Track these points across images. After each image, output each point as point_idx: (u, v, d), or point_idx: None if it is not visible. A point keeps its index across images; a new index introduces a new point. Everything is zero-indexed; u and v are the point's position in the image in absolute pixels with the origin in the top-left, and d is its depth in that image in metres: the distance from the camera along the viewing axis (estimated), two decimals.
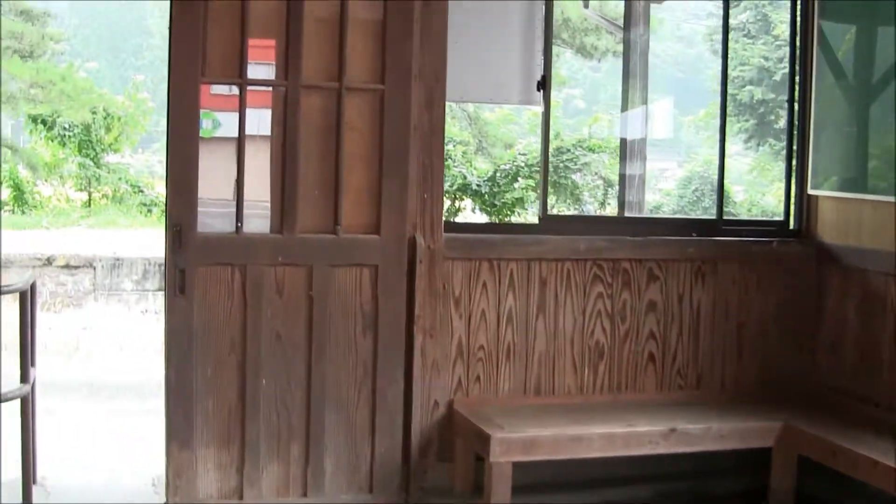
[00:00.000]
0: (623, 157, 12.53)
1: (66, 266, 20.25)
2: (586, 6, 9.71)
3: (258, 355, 6.16)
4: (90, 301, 19.58)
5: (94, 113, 28.40)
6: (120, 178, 29.60)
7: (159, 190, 30.34)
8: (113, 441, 8.25)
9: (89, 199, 29.78)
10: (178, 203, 6.01)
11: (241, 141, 6.10)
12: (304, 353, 6.25)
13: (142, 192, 29.58)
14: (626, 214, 12.86)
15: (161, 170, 48.40)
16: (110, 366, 12.91)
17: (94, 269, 20.18)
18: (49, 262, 20.23)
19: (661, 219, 14.16)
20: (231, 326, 6.13)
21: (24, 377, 6.05)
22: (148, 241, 22.75)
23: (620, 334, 6.97)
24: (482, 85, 6.87)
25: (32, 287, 6.28)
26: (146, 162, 43.33)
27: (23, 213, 28.24)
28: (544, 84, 6.86)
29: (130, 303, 19.70)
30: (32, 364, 6.24)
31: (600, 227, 7.35)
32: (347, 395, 6.35)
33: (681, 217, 24.75)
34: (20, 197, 29.50)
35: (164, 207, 22.85)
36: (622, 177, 12.82)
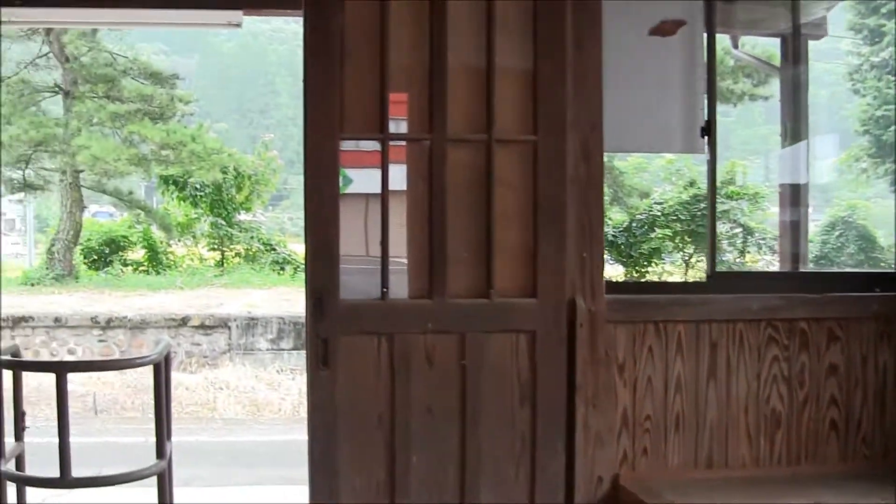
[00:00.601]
0: (782, 204, 11.90)
1: (201, 326, 20.18)
2: (735, 46, 9.14)
3: (407, 430, 5.70)
4: (225, 361, 19.41)
5: (224, 172, 28.54)
6: (252, 237, 29.72)
7: (291, 247, 30.41)
8: None
9: (222, 258, 29.92)
10: (319, 269, 5.61)
11: (384, 200, 5.67)
12: (457, 427, 5.76)
13: (274, 249, 29.66)
14: (796, 269, 12.18)
15: (292, 227, 48.79)
16: (248, 429, 12.60)
17: (229, 328, 20.06)
18: (184, 322, 20.18)
19: (839, 273, 13.45)
20: (378, 399, 5.69)
21: (161, 452, 5.69)
22: (282, 299, 22.64)
23: (799, 400, 6.34)
24: (641, 133, 6.36)
25: (167, 358, 5.93)
26: (277, 220, 43.58)
27: (157, 273, 28.46)
28: (709, 130, 6.34)
29: (266, 362, 19.49)
30: (168, 437, 5.88)
31: (772, 283, 6.77)
32: (505, 472, 5.85)
33: (860, 271, 23.77)
34: (154, 257, 29.78)
35: (296, 265, 22.93)
36: (782, 225, 12.18)
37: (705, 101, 6.37)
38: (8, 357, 5.76)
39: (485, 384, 5.77)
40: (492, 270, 5.72)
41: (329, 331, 5.59)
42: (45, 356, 20.01)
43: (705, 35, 6.40)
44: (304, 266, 5.75)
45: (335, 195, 5.61)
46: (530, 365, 5.81)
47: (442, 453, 5.77)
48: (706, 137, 6.36)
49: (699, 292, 6.38)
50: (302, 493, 8.28)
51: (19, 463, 6.16)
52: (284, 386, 17.54)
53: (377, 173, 5.73)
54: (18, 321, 20.23)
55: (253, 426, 12.76)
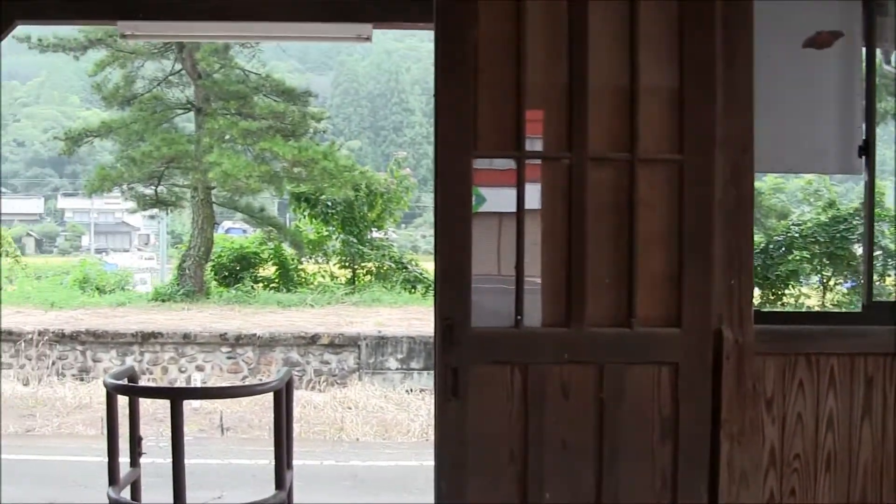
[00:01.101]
0: None
1: (331, 344, 20.09)
2: (888, 62, 8.65)
3: (541, 465, 5.39)
4: (354, 380, 19.27)
5: (356, 190, 28.53)
6: (384, 255, 29.68)
7: (423, 266, 30.29)
8: None
9: (353, 276, 29.93)
10: (449, 294, 5.33)
11: (520, 221, 5.38)
12: (593, 464, 5.43)
13: (405, 268, 29.57)
14: None
15: (425, 245, 48.76)
16: (376, 453, 12.37)
17: (359, 347, 19.94)
18: (313, 340, 20.10)
19: None
20: (510, 433, 5.39)
21: (280, 482, 5.45)
22: (412, 318, 22.48)
23: None
24: (793, 152, 5.96)
25: (289, 385, 5.70)
26: (409, 237, 43.63)
27: (288, 290, 28.52)
28: (867, 149, 5.92)
29: (395, 382, 19.32)
30: (289, 466, 5.64)
31: None
32: None
33: None
34: (285, 274, 29.88)
35: (427, 283, 22.74)
36: None
37: (863, 119, 5.96)
38: (123, 382, 5.57)
39: (624, 419, 5.43)
40: (633, 297, 5.38)
41: (459, 360, 5.31)
42: (173, 373, 20.12)
43: (864, 48, 5.98)
44: (434, 287, 5.48)
45: (467, 217, 5.33)
46: (672, 399, 5.45)
47: (577, 491, 5.44)
48: (864, 157, 5.95)
49: (854, 323, 5.95)
50: None
51: (135, 490, 5.99)
52: (414, 406, 17.30)
53: (510, 192, 5.44)
54: (148, 337, 20.36)
55: (381, 450, 12.50)
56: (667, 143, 5.44)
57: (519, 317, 5.34)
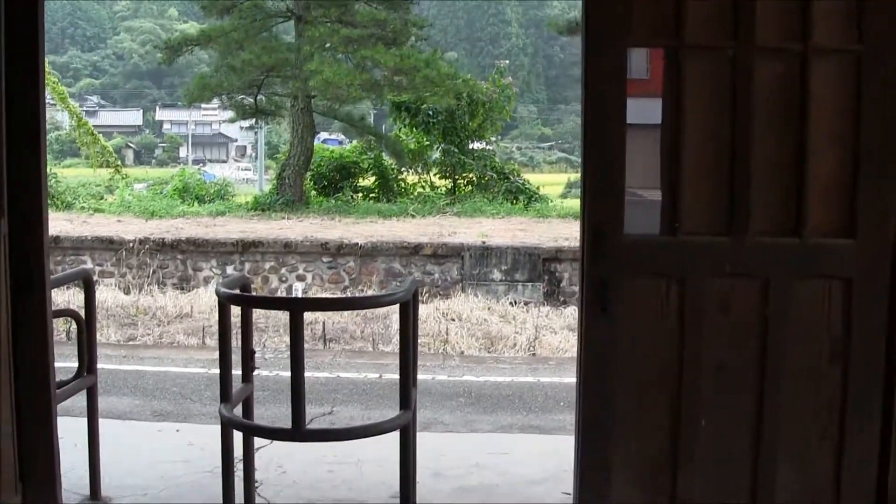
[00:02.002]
0: None
1: (434, 255, 19.72)
2: None
3: (696, 389, 4.89)
4: (457, 291, 18.87)
5: (458, 99, 27.92)
6: (485, 165, 29.15)
7: (525, 177, 29.74)
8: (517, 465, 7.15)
9: (454, 187, 29.47)
10: (599, 201, 4.82)
11: (678, 120, 4.83)
12: (753, 388, 4.92)
13: (507, 178, 29.04)
14: None
15: (520, 157, 48.16)
16: (487, 368, 11.91)
17: (462, 258, 19.54)
18: (416, 251, 19.75)
19: None
20: (663, 353, 4.89)
21: (405, 401, 4.99)
22: (516, 229, 22.02)
23: None
24: None
25: (415, 297, 5.20)
26: (505, 150, 42.95)
27: (388, 200, 28.15)
28: None
29: (499, 293, 18.90)
30: (414, 384, 5.19)
31: None
32: (806, 443, 4.97)
33: None
34: (385, 184, 29.52)
35: (529, 194, 22.18)
36: None
37: None
38: (236, 292, 5.11)
39: (789, 339, 4.89)
40: (804, 205, 4.82)
41: (609, 271, 4.81)
42: (273, 282, 19.90)
43: None
44: (582, 194, 4.96)
45: (620, 114, 4.80)
46: (844, 317, 4.90)
47: (735, 417, 4.95)
48: None
49: None
50: (552, 443, 7.63)
51: (247, 408, 5.58)
52: (519, 319, 16.88)
53: (643, 103, 4.91)
54: (248, 246, 20.15)
55: (493, 365, 12.01)
56: (844, 31, 4.83)
57: (676, 223, 4.82)
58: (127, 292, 19.34)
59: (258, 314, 18.60)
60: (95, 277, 20.11)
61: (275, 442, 7.40)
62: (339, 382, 10.82)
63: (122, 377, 10.90)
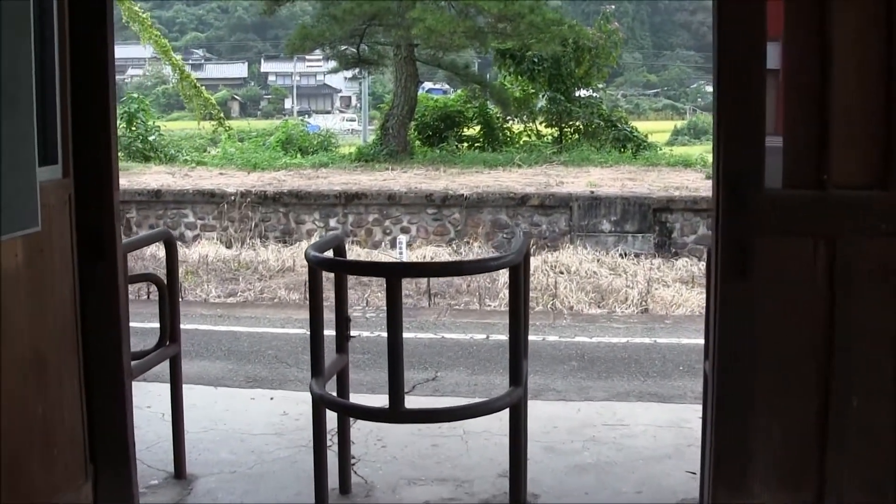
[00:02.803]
0: None
1: (541, 206, 19.12)
2: None
3: (848, 363, 4.26)
4: (566, 243, 18.26)
5: (563, 46, 27.14)
6: (592, 113, 28.41)
7: (633, 125, 28.97)
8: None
9: (560, 135, 28.80)
10: (736, 151, 4.20)
11: (823, 55, 4.18)
12: None
13: (615, 126, 28.26)
14: None
15: (626, 105, 47.20)
16: (600, 328, 11.28)
17: (570, 209, 18.91)
18: (522, 202, 19.17)
19: None
20: (811, 321, 4.26)
21: (516, 376, 4.44)
22: (625, 178, 21.33)
23: None
24: None
25: (526, 257, 4.63)
26: (610, 97, 41.98)
27: (493, 150, 27.58)
28: None
29: (608, 245, 18.26)
30: (525, 355, 4.63)
31: None
32: None
33: None
34: (490, 133, 28.96)
35: (638, 142, 21.50)
36: None
37: None
38: (328, 256, 4.57)
39: None
40: None
41: (748, 229, 4.20)
42: (377, 235, 19.46)
43: None
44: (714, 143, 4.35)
45: (760, 49, 4.17)
46: None
47: (891, 397, 4.31)
48: None
49: None
50: (671, 414, 7.05)
51: (342, 381, 5.08)
52: (629, 272, 16.26)
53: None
54: (351, 198, 19.73)
55: (606, 324, 11.32)
56: None
57: (824, 175, 4.19)
58: (229, 246, 19.09)
59: (359, 255, 18.23)
60: (196, 232, 19.90)
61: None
62: (444, 344, 10.30)
63: (216, 339, 10.51)
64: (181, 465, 5.66)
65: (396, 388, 4.12)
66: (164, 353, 5.51)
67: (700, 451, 5.09)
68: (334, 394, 5.03)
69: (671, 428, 6.48)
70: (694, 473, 5.36)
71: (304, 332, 10.22)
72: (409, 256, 17.21)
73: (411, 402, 7.27)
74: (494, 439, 6.02)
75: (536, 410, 6.39)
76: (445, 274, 5.99)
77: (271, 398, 7.59)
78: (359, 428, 6.23)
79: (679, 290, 14.54)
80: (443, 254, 18.09)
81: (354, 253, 18.09)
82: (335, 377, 5.03)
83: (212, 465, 5.84)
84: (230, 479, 5.66)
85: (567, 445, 6.19)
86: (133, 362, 5.01)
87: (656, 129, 40.01)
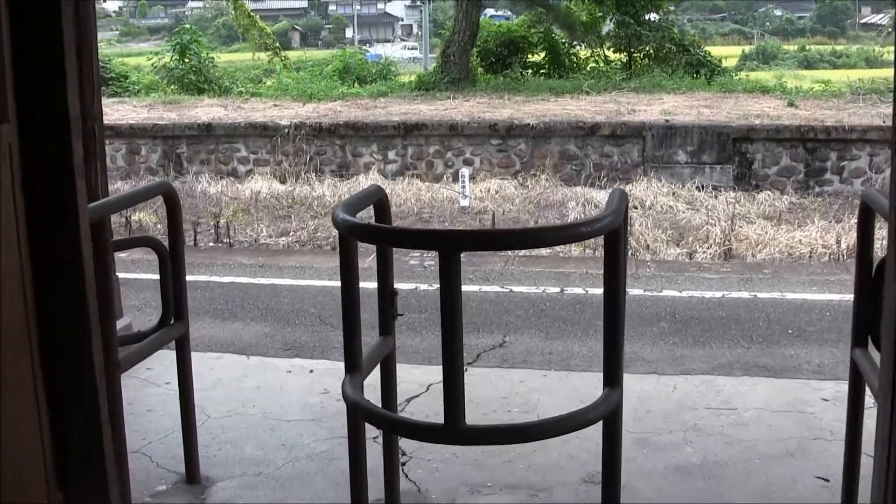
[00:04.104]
0: None
1: (612, 135, 17.97)
2: None
3: None
4: (638, 175, 17.09)
5: None
6: (663, 37, 27.01)
7: (706, 48, 27.62)
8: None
9: (630, 61, 27.48)
10: None
11: None
12: None
13: (687, 51, 26.82)
14: None
15: (691, 29, 45.62)
16: (690, 279, 10.02)
17: (643, 138, 17.72)
18: (592, 131, 18.01)
19: None
20: None
21: (612, 377, 3.35)
22: (700, 105, 20.04)
23: None
24: None
25: (625, 220, 3.46)
26: (677, 21, 40.41)
27: (559, 76, 26.30)
28: None
29: (684, 177, 17.06)
30: (620, 353, 3.49)
31: None
32: None
33: None
34: (556, 59, 27.71)
35: (712, 67, 20.27)
36: None
37: None
38: (359, 221, 3.35)
39: None
40: None
41: None
42: (438, 167, 18.37)
43: None
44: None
45: None
46: None
47: None
48: None
49: None
50: (786, 393, 5.93)
51: (387, 371, 3.96)
52: (707, 207, 15.09)
53: None
54: (411, 129, 18.62)
55: (695, 275, 9.97)
56: None
57: None
58: (283, 181, 18.12)
59: (419, 189, 17.19)
60: (250, 166, 18.94)
61: (428, 391, 5.87)
62: (512, 300, 9.17)
63: (254, 295, 9.47)
64: (194, 467, 4.65)
65: (454, 400, 3.06)
66: (166, 334, 4.47)
67: (844, 457, 4.00)
68: (377, 386, 3.96)
69: (789, 414, 5.36)
70: (827, 481, 4.28)
71: None
72: (471, 190, 16.18)
73: (475, 375, 6.28)
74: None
75: (625, 388, 5.29)
76: (519, 246, 4.78)
77: (311, 371, 6.51)
78: (411, 412, 5.20)
79: (764, 227, 13.36)
80: (508, 187, 17.01)
81: (414, 188, 17.11)
82: (379, 365, 3.95)
83: (233, 465, 4.84)
84: (253, 484, 4.65)
85: (664, 437, 5.09)
86: (127, 348, 3.97)
87: (725, 55, 38.41)
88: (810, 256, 11.71)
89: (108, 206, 3.92)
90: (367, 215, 3.68)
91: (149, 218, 14.09)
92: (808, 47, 59.96)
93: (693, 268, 10.61)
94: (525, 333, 8.04)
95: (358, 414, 3.41)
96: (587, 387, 5.68)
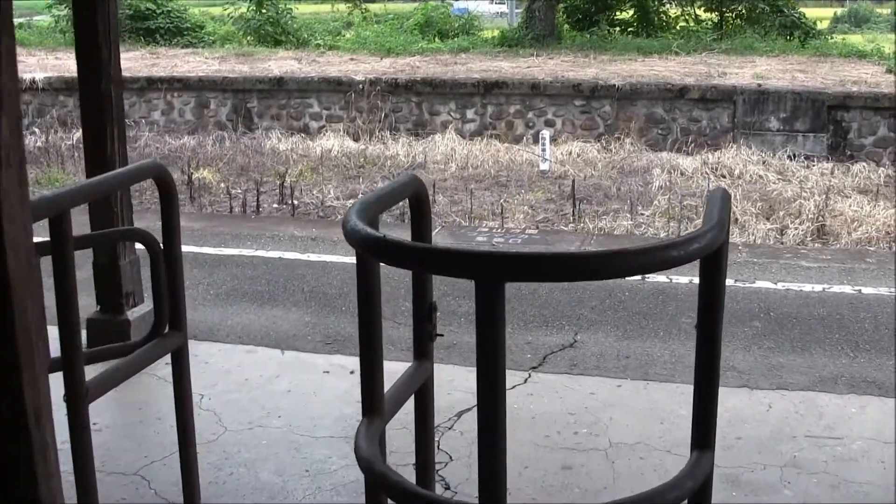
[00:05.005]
0: None
1: (701, 99, 17.08)
2: None
3: None
4: (728, 141, 16.20)
5: None
6: None
7: (802, 9, 26.49)
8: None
9: (721, 20, 26.50)
10: None
11: None
12: None
13: (781, 11, 25.69)
14: None
15: None
16: (787, 267, 9.02)
17: (734, 103, 16.82)
18: (681, 94, 17.13)
19: None
20: None
21: (703, 439, 2.59)
22: (795, 69, 19.00)
23: None
24: None
25: (726, 235, 2.66)
26: None
27: (648, 35, 25.36)
28: None
29: (776, 145, 16.14)
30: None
31: None
32: None
33: None
34: (645, 17, 26.82)
35: (806, 29, 19.26)
36: None
37: None
38: (381, 236, 2.50)
39: None
40: None
41: None
42: (519, 128, 17.58)
43: None
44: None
45: None
46: None
47: None
48: None
49: None
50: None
51: (423, 407, 3.19)
52: (799, 177, 14.19)
53: None
54: (491, 87, 17.81)
55: (791, 262, 8.89)
56: None
57: None
58: (356, 139, 17.45)
59: (497, 150, 16.42)
60: (322, 123, 18.28)
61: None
62: (587, 287, 8.20)
63: (300, 274, 8.65)
64: (193, 500, 3.92)
65: (495, 477, 2.32)
66: (158, 347, 3.74)
67: None
68: (409, 421, 3.22)
69: None
70: None
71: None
72: (552, 153, 15.41)
73: (540, 383, 5.50)
74: (654, 458, 4.20)
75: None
76: (581, 276, 3.79)
77: (351, 372, 5.78)
78: (461, 431, 4.46)
79: (860, 202, 12.41)
80: (591, 150, 16.20)
81: (493, 149, 16.37)
82: (413, 398, 3.21)
83: (244, 494, 4.15)
84: None
85: (758, 475, 4.33)
86: (107, 365, 3.27)
87: (816, 16, 37.00)
88: None
89: (72, 195, 3.19)
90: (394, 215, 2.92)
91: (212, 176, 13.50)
92: None
93: (788, 254, 9.62)
94: (599, 330, 7.20)
95: (372, 479, 2.66)
96: (668, 402, 4.94)
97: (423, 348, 3.25)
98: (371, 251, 2.56)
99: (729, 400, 5.26)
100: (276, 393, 5.29)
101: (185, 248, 8.57)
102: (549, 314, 7.36)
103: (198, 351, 5.22)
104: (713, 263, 2.52)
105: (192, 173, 13.62)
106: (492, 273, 2.35)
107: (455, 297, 7.61)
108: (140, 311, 6.16)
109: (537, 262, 2.25)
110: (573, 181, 13.03)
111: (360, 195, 12.84)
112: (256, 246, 9.45)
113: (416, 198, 3.18)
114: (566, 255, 2.47)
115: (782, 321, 7.45)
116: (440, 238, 9.83)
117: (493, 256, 2.44)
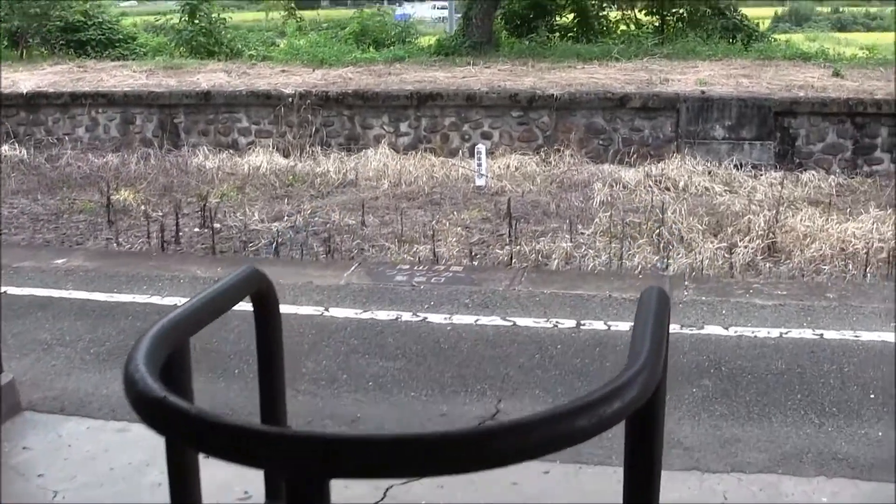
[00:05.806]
0: None
1: (643, 108, 16.56)
2: None
3: None
4: (671, 152, 15.66)
5: None
6: None
7: (744, 11, 26.13)
8: None
9: (662, 24, 26.03)
10: None
11: None
12: None
13: (723, 14, 25.32)
14: None
15: None
16: (734, 307, 8.18)
17: (677, 111, 16.24)
18: (622, 103, 16.59)
19: None
20: None
21: None
22: (739, 74, 18.48)
23: None
24: None
25: (664, 371, 1.98)
26: None
27: (588, 41, 24.78)
28: None
29: (721, 154, 15.63)
30: None
31: None
32: None
33: None
34: (585, 22, 26.25)
35: (749, 31, 18.82)
36: None
37: None
38: (156, 394, 1.72)
39: None
40: None
41: None
42: (455, 141, 16.97)
43: None
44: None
45: None
46: None
47: None
48: None
49: None
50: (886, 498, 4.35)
51: None
52: (747, 188, 13.70)
53: None
54: (425, 99, 17.17)
55: (743, 300, 7.69)
56: None
57: None
58: (286, 155, 16.78)
59: (432, 165, 15.70)
60: (251, 138, 17.60)
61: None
62: (515, 339, 7.42)
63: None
64: None
65: None
66: None
67: None
68: None
69: None
70: None
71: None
72: (489, 167, 14.82)
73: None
74: None
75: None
76: (423, 471, 3.01)
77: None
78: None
79: (812, 216, 11.85)
80: (529, 164, 15.73)
81: (427, 163, 15.79)
82: None
83: None
84: None
85: None
86: None
87: (756, 16, 36.72)
88: (867, 254, 10.19)
89: None
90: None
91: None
92: (841, 9, 58.40)
93: (740, 290, 8.68)
94: (526, 395, 6.37)
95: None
96: (604, 492, 4.18)
97: None
98: (148, 419, 1.75)
99: (675, 490, 4.50)
100: (143, 487, 4.49)
101: (72, 295, 7.91)
102: (470, 375, 6.59)
103: (63, 430, 4.47)
104: (643, 422, 1.83)
105: (110, 195, 12.89)
106: (305, 466, 1.60)
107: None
108: None
109: (363, 449, 1.44)
110: (509, 200, 12.40)
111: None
112: (152, 291, 8.65)
113: (260, 296, 2.47)
114: (401, 438, 1.58)
115: (735, 378, 6.64)
116: (356, 278, 9.05)
117: (310, 439, 1.56)
